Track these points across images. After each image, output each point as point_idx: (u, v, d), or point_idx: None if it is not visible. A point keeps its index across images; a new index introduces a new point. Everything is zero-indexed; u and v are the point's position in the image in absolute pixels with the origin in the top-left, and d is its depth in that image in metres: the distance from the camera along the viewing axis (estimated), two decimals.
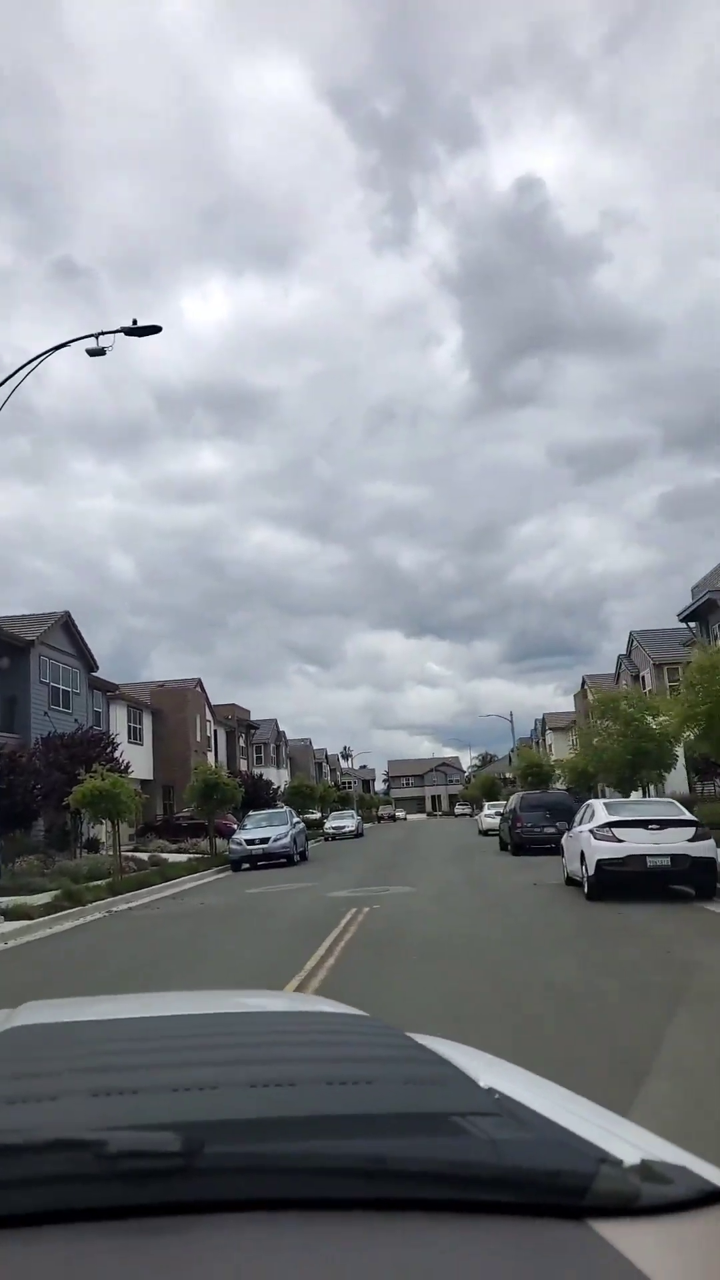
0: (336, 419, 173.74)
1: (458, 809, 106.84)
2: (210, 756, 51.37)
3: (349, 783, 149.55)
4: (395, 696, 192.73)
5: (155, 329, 15.59)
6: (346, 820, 49.53)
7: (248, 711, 62.09)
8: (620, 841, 13.01)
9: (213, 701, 56.80)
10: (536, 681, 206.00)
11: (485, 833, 40.31)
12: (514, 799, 28.21)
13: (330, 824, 49.52)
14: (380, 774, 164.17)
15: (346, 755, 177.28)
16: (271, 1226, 0.85)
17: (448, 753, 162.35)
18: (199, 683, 51.18)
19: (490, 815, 39.82)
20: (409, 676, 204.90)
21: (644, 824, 13.24)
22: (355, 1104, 1.03)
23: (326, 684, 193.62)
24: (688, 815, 13.88)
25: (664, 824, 13.19)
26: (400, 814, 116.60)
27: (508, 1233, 0.86)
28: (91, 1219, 0.83)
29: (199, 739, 48.88)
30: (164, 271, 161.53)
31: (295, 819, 32.14)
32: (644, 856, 12.79)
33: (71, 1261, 0.80)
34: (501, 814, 29.53)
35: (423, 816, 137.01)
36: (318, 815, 60.40)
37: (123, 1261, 0.80)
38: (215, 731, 54.29)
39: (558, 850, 17.97)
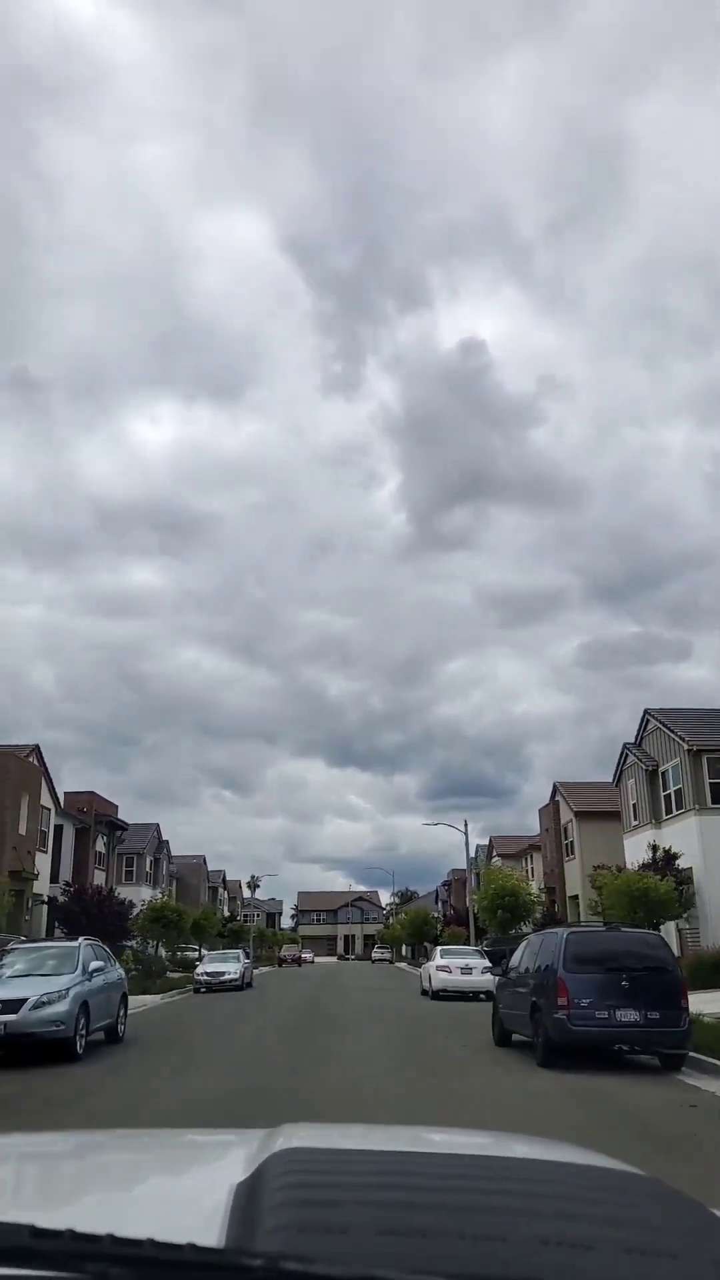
0: (274, 546, 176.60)
1: (376, 952, 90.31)
2: (41, 859, 35.96)
3: (249, 915, 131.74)
4: (313, 828, 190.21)
5: None
6: (228, 965, 34.25)
7: (115, 807, 46.75)
8: None
9: (68, 788, 41.73)
10: (455, 819, 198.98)
11: (437, 995, 25.93)
12: (542, 941, 13.75)
13: (204, 969, 34.09)
14: (289, 908, 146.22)
15: (254, 885, 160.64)
16: None
17: (364, 888, 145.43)
18: (36, 751, 36.26)
19: (450, 969, 25.46)
20: (328, 807, 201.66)
21: None
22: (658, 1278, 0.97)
23: (243, 811, 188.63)
24: None
25: None
26: (307, 955, 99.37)
27: None
28: None
29: (23, 831, 33.60)
30: (115, 393, 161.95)
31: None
32: None
33: None
34: (503, 969, 15.20)
35: (333, 960, 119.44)
36: (197, 953, 44.77)
37: None
38: (58, 826, 38.99)
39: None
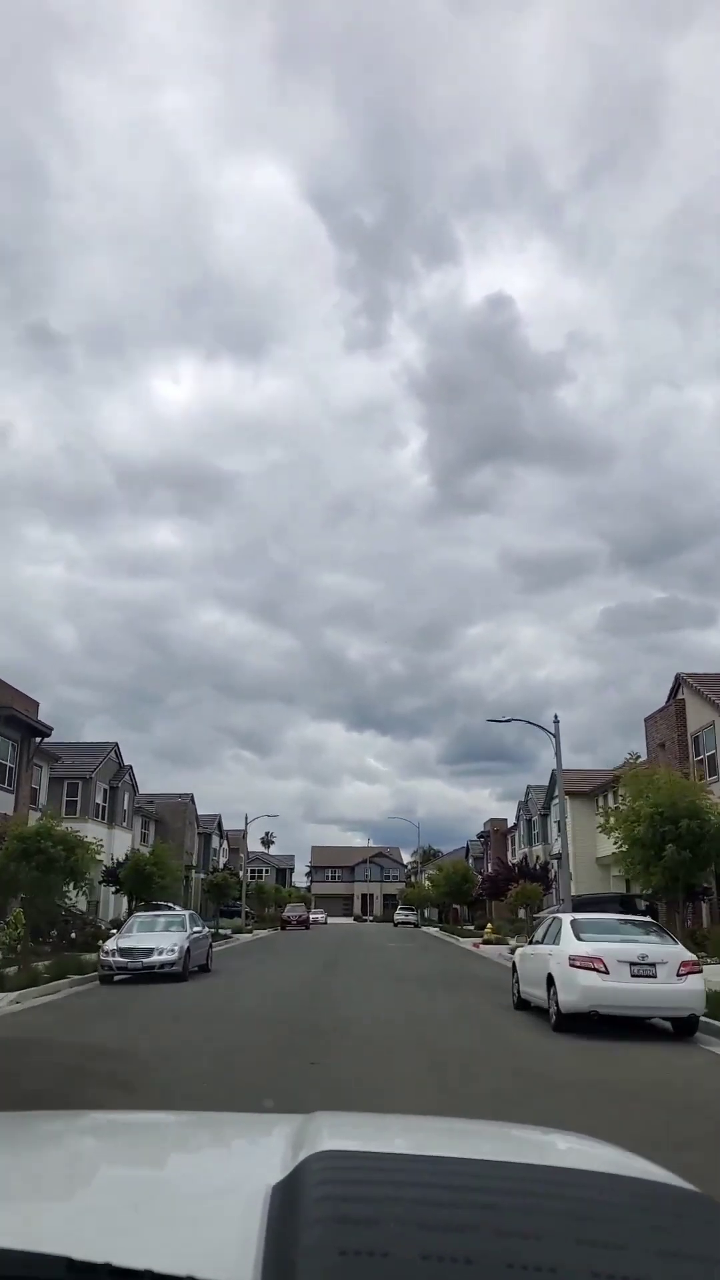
0: (295, 508, 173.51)
1: (400, 914, 76.48)
2: None
3: (259, 871, 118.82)
4: (331, 790, 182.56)
5: None
6: (159, 939, 20.01)
7: (34, 705, 32.66)
8: None
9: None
10: (473, 785, 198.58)
11: (572, 1017, 11.56)
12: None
13: (117, 943, 19.89)
14: (304, 866, 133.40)
15: (268, 842, 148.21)
16: None
17: (383, 845, 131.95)
18: None
19: (604, 965, 11.09)
20: (347, 770, 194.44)
21: None
22: None
23: (261, 771, 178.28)
24: None
25: None
26: (319, 915, 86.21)
27: None
28: None
29: None
30: (137, 349, 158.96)
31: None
32: None
33: None
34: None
35: (348, 921, 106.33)
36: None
37: None
38: None
39: None
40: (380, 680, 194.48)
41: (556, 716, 25.90)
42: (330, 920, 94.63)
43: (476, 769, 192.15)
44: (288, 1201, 1.05)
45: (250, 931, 48.26)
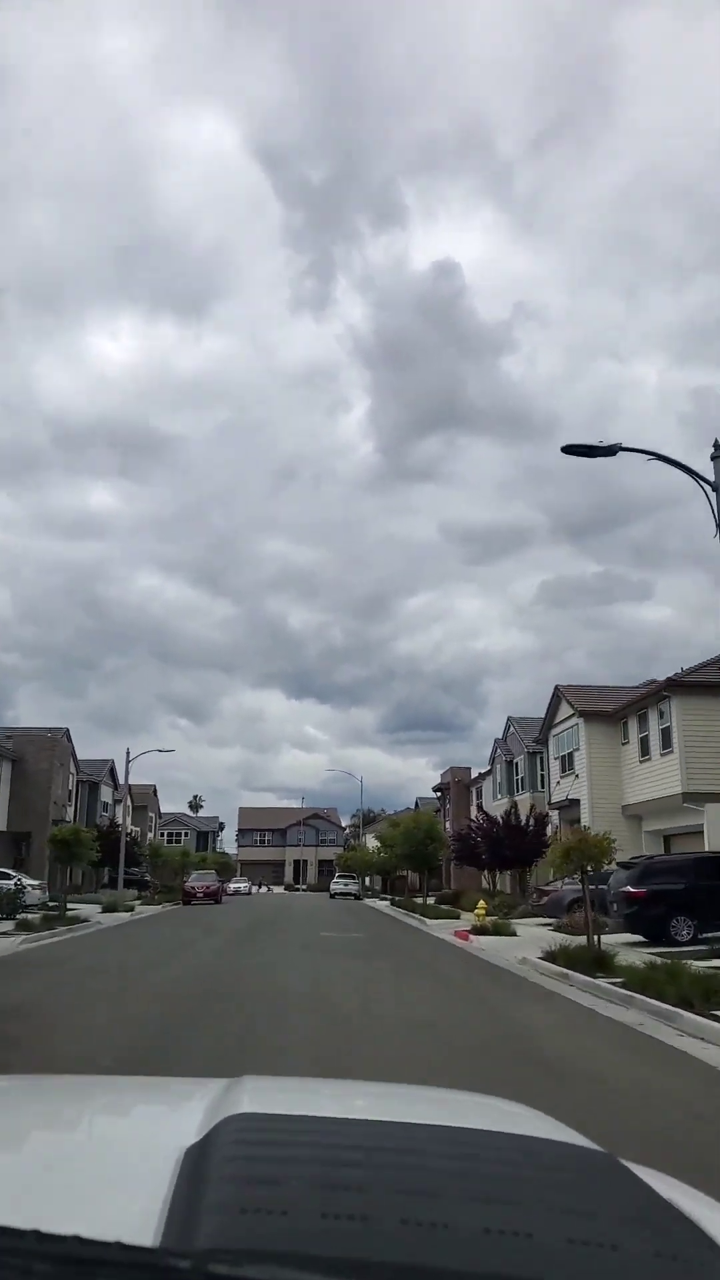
0: (238, 472, 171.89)
1: (336, 883, 62.78)
2: None
3: (180, 833, 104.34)
4: (269, 758, 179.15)
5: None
6: None
7: None
8: None
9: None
10: (410, 754, 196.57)
11: None
12: None
13: None
14: (233, 833, 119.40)
15: (197, 806, 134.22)
16: None
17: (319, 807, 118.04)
18: None
19: None
20: (285, 738, 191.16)
21: None
22: (609, 1275, 0.93)
23: (199, 739, 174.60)
24: None
25: None
26: (242, 885, 72.49)
27: None
28: None
29: None
30: (74, 303, 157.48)
31: None
32: None
33: None
34: None
35: (280, 891, 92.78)
36: None
37: None
38: None
39: None
40: (321, 648, 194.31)
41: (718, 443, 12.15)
42: (258, 890, 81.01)
43: (413, 738, 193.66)
44: (199, 1163, 1.07)
45: (130, 910, 33.95)
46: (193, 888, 43.58)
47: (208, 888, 44.06)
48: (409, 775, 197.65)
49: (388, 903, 48.15)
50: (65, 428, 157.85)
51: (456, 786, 57.72)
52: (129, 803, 49.52)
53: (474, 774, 57.31)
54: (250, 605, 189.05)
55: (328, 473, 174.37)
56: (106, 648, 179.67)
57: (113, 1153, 1.39)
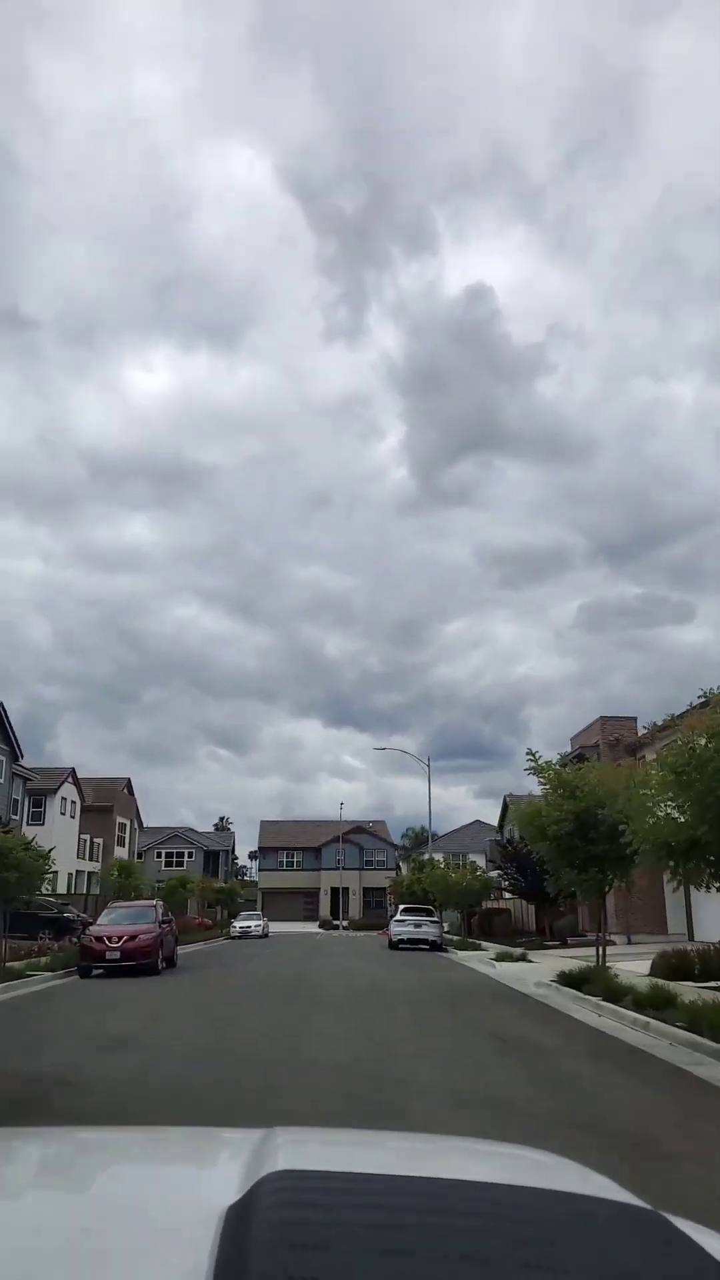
0: (272, 500, 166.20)
1: (402, 924, 37.25)
2: None
3: (183, 853, 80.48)
4: (307, 788, 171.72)
5: None
6: None
7: None
8: None
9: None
10: (450, 783, 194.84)
11: None
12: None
13: None
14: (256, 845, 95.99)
15: (223, 827, 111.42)
16: None
17: (363, 820, 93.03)
18: None
19: None
20: (323, 767, 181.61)
21: None
22: None
23: (238, 770, 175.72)
24: None
25: None
26: (252, 924, 48.42)
27: None
28: None
29: None
30: (110, 337, 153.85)
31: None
32: None
33: None
34: None
35: (311, 929, 68.35)
36: None
37: None
38: None
39: None
40: (358, 676, 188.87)
41: None
42: (277, 928, 56.98)
43: (454, 766, 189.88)
44: (241, 1224, 1.06)
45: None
46: (94, 939, 19.61)
47: (134, 937, 19.91)
48: (449, 803, 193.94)
49: (521, 963, 23.92)
50: (101, 461, 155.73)
51: (610, 747, 33.20)
52: (138, 820, 25.63)
53: (639, 729, 32.98)
54: (287, 633, 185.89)
55: (362, 499, 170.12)
56: (145, 679, 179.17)
57: (150, 1213, 1.31)
